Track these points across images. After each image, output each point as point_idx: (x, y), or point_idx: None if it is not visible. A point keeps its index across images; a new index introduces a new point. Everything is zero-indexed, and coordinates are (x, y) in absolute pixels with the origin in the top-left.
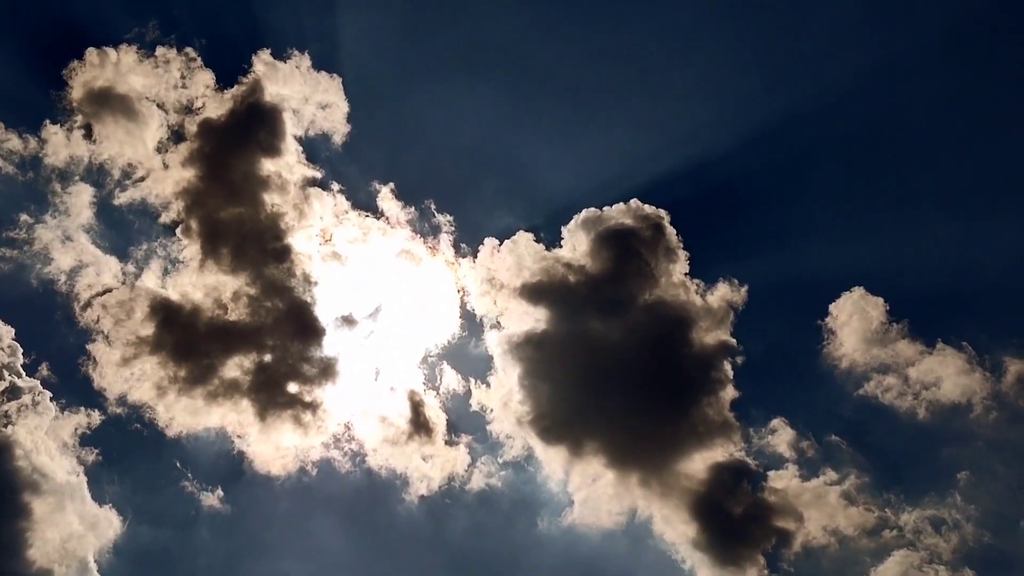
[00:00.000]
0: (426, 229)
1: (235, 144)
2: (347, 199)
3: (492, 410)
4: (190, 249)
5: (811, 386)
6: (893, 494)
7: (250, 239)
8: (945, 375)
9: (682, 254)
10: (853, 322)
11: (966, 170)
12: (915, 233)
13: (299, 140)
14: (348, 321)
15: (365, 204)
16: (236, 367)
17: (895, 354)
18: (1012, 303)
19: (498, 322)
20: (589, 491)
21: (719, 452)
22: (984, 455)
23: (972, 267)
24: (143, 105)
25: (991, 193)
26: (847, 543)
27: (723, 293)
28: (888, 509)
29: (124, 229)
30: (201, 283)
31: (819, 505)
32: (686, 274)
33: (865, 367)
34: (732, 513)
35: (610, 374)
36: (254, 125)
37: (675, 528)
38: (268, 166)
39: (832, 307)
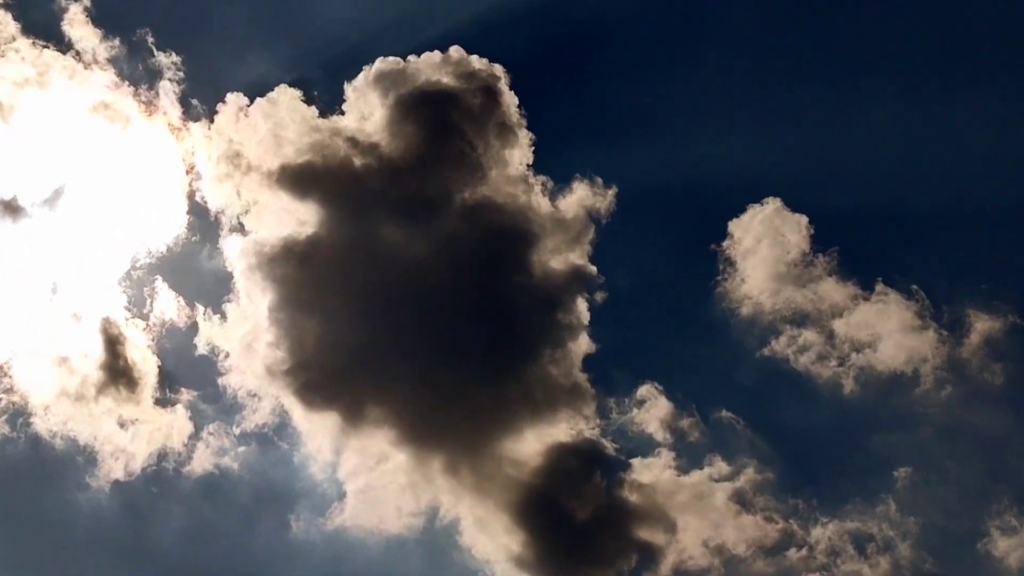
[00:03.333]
0: (138, 74)
1: None
2: (16, 20)
3: (229, 354)
4: None
5: (697, 340)
6: (803, 498)
7: None
8: (885, 332)
9: (524, 135)
10: (762, 249)
11: (940, 36)
12: (858, 126)
13: None
14: (10, 208)
15: (44, 29)
16: None
17: (818, 298)
18: (987, 235)
19: (241, 223)
20: (370, 479)
21: (563, 429)
22: (932, 447)
23: (937, 178)
24: None
25: (976, 69)
26: (737, 565)
27: (581, 197)
28: (795, 519)
29: None
30: None
31: (700, 510)
32: (529, 166)
33: (774, 316)
34: (576, 517)
35: (410, 308)
36: None
37: (492, 537)
38: None
39: (733, 226)
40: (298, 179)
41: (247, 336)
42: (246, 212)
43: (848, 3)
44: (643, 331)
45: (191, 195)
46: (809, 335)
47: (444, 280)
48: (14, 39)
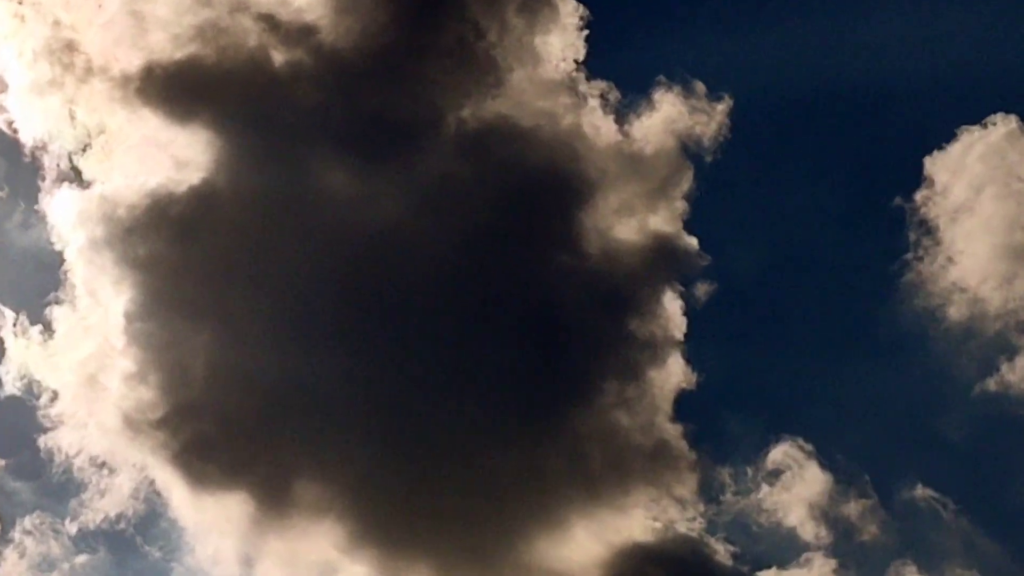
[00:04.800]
0: None
1: None
2: None
3: (57, 395)
4: None
5: (872, 364)
6: None
7: None
8: None
9: (570, 11)
10: (984, 205)
11: None
12: None
13: None
14: None
15: None
16: None
17: None
18: None
19: (77, 168)
20: None
21: (640, 520)
22: None
23: None
24: None
25: None
26: None
27: (669, 116)
28: None
29: None
30: None
31: None
32: (578, 63)
33: (1005, 321)
34: None
35: (374, 313)
36: None
37: None
38: None
39: (933, 165)
40: (176, 88)
41: (89, 362)
42: (85, 148)
43: None
44: (778, 350)
45: None
46: None
47: (433, 263)
48: None
